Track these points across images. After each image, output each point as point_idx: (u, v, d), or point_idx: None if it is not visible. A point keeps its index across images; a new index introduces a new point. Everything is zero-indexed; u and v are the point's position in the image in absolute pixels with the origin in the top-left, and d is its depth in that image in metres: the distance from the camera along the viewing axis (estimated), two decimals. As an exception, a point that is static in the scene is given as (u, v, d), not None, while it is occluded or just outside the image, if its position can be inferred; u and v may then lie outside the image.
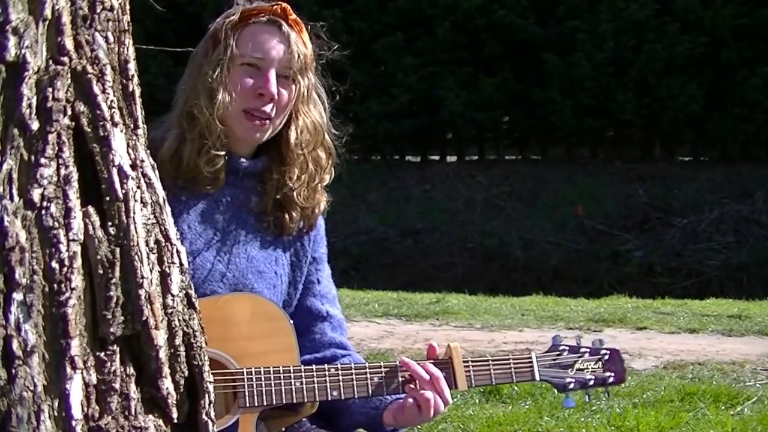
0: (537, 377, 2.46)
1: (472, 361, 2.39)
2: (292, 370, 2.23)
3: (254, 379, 2.20)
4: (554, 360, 2.49)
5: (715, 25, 17.08)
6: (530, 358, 2.46)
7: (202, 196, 2.37)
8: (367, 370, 2.29)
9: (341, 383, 2.26)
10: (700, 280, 14.99)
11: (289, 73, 2.37)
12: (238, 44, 2.33)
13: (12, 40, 1.50)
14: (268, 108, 2.35)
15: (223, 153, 2.34)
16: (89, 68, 1.58)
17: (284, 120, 2.42)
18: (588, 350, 2.54)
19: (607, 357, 2.55)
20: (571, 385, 2.51)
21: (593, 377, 2.53)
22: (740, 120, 17.24)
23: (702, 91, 17.29)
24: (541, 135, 19.47)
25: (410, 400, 2.31)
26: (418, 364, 2.33)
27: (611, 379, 2.55)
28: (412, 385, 2.31)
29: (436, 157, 20.19)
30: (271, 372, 2.21)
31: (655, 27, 17.35)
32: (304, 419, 2.43)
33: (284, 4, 2.40)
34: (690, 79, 17.22)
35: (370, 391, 2.29)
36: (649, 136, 19.14)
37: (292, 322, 2.30)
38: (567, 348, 2.52)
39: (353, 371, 2.28)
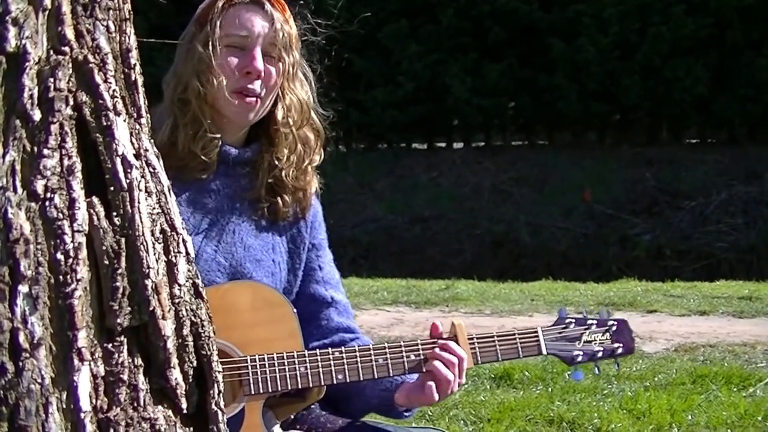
0: (544, 351, 2.42)
1: (478, 338, 2.37)
2: (296, 356, 2.22)
3: (258, 367, 2.20)
4: (560, 333, 2.45)
5: (720, 6, 17.03)
6: (536, 332, 2.43)
7: (193, 185, 2.35)
8: (372, 352, 2.28)
9: (346, 366, 2.25)
10: (709, 262, 14.97)
11: (274, 51, 2.37)
12: (222, 25, 2.33)
13: (12, 31, 1.48)
14: (256, 86, 2.35)
15: (218, 136, 2.34)
16: (90, 58, 1.57)
17: (273, 99, 2.41)
18: (595, 322, 2.48)
19: (615, 328, 2.49)
20: (579, 358, 2.45)
21: (601, 349, 2.47)
22: (747, 101, 17.20)
23: (708, 73, 17.26)
24: (547, 120, 19.46)
25: (430, 380, 2.30)
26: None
27: (620, 350, 2.48)
28: (437, 364, 2.29)
29: (443, 144, 20.20)
30: (275, 358, 2.20)
31: (660, 10, 17.30)
32: (313, 406, 2.43)
33: None
34: (696, 61, 17.18)
35: (376, 373, 2.28)
36: (655, 119, 19.11)
37: (294, 308, 2.29)
38: (573, 320, 2.47)
39: (357, 354, 2.27)
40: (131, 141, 1.60)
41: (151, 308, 1.56)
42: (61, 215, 1.49)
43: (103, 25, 1.60)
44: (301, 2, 2.50)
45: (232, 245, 2.37)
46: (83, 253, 1.50)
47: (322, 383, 2.25)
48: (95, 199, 1.54)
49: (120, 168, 1.56)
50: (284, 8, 2.42)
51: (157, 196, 1.63)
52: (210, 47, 2.31)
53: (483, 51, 18.44)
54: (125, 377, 1.53)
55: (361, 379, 2.27)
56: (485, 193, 17.56)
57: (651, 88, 17.49)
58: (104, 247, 1.53)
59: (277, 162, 2.42)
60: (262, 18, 2.36)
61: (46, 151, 1.49)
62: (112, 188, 1.56)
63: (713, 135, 19.05)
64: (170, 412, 1.59)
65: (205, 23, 2.35)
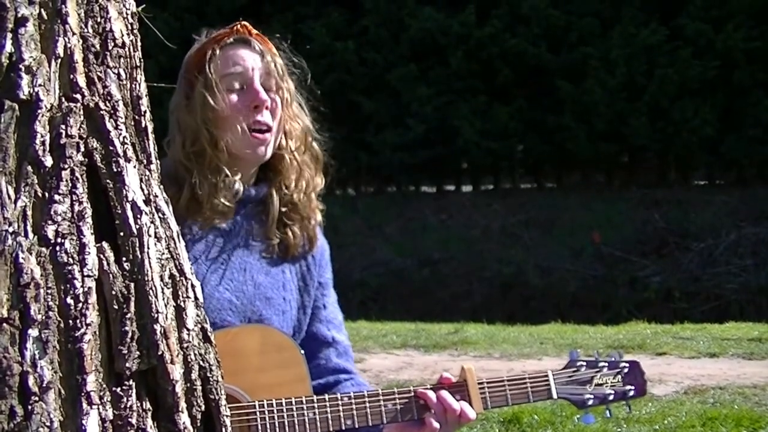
0: (554, 395, 2.40)
1: (488, 383, 2.36)
2: (304, 401, 2.21)
3: (266, 412, 2.19)
4: (571, 376, 2.43)
5: (727, 48, 17.07)
6: (546, 376, 2.42)
7: (209, 227, 2.37)
8: (381, 398, 2.28)
9: (354, 412, 2.24)
10: (719, 303, 14.90)
11: (271, 82, 2.40)
12: (216, 71, 2.35)
13: (25, 79, 1.51)
14: (266, 117, 2.37)
15: (239, 177, 2.35)
16: (102, 105, 1.59)
17: (281, 130, 2.43)
18: (606, 364, 2.47)
19: (626, 370, 2.48)
20: (590, 401, 2.43)
21: (613, 391, 2.45)
22: (755, 142, 17.21)
23: (716, 114, 17.28)
24: (556, 162, 19.48)
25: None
26: (435, 391, 2.33)
27: (632, 393, 2.47)
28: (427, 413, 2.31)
29: (452, 187, 20.22)
30: (284, 404, 2.20)
31: (667, 52, 17.37)
32: None
33: (244, 22, 2.43)
34: (704, 102, 17.21)
35: (385, 419, 2.27)
36: (664, 160, 19.13)
37: (303, 352, 2.30)
38: (584, 363, 2.46)
39: (366, 399, 2.26)
40: (141, 187, 1.61)
41: (159, 353, 1.57)
42: (71, 260, 1.50)
43: (114, 72, 1.62)
44: (278, 36, 2.53)
45: (243, 284, 2.38)
46: (93, 298, 1.51)
47: (331, 429, 2.24)
48: (105, 245, 1.55)
49: (130, 213, 1.58)
50: (266, 41, 2.45)
51: (166, 242, 1.64)
52: (215, 91, 2.33)
53: (492, 93, 18.51)
54: (134, 421, 1.53)
55: (370, 424, 2.26)
56: (494, 235, 17.55)
57: (659, 129, 17.52)
58: (114, 292, 1.54)
59: (285, 189, 2.44)
60: (251, 52, 2.40)
61: (57, 197, 1.51)
62: (122, 233, 1.57)
63: (722, 176, 19.06)
64: (178, 456, 1.60)
65: (196, 75, 2.37)
